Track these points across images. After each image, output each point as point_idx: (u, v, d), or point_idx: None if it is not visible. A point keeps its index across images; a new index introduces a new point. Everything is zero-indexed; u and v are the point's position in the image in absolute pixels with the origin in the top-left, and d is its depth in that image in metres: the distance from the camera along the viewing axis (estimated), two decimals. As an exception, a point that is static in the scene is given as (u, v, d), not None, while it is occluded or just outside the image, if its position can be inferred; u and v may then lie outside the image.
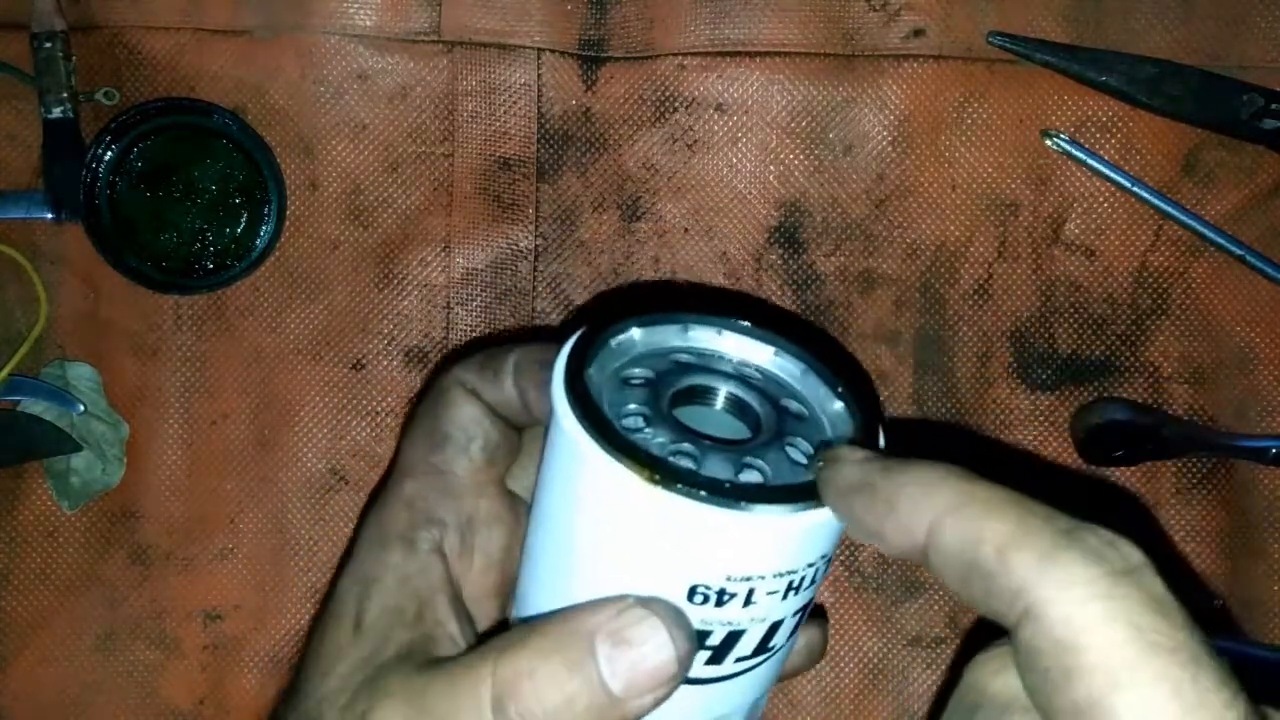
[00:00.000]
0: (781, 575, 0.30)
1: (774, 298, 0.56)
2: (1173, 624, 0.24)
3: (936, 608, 0.56)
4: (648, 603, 0.30)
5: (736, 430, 0.36)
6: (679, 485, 0.29)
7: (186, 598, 0.56)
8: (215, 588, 0.56)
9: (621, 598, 0.30)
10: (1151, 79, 0.54)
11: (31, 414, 0.55)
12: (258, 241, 0.55)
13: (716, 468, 0.32)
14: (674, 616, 0.30)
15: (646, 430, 0.33)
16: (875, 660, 0.56)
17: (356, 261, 0.56)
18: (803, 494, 0.30)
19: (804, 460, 0.33)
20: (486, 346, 0.41)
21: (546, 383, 0.34)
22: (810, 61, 0.55)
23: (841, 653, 0.56)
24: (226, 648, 0.56)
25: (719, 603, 0.30)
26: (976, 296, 0.56)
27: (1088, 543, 0.25)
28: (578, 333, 0.35)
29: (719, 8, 0.55)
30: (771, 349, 0.37)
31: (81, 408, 0.55)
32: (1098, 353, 0.56)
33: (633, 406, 0.33)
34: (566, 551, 0.33)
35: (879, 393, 0.56)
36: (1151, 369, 0.56)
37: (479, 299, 0.56)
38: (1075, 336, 0.56)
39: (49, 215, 0.55)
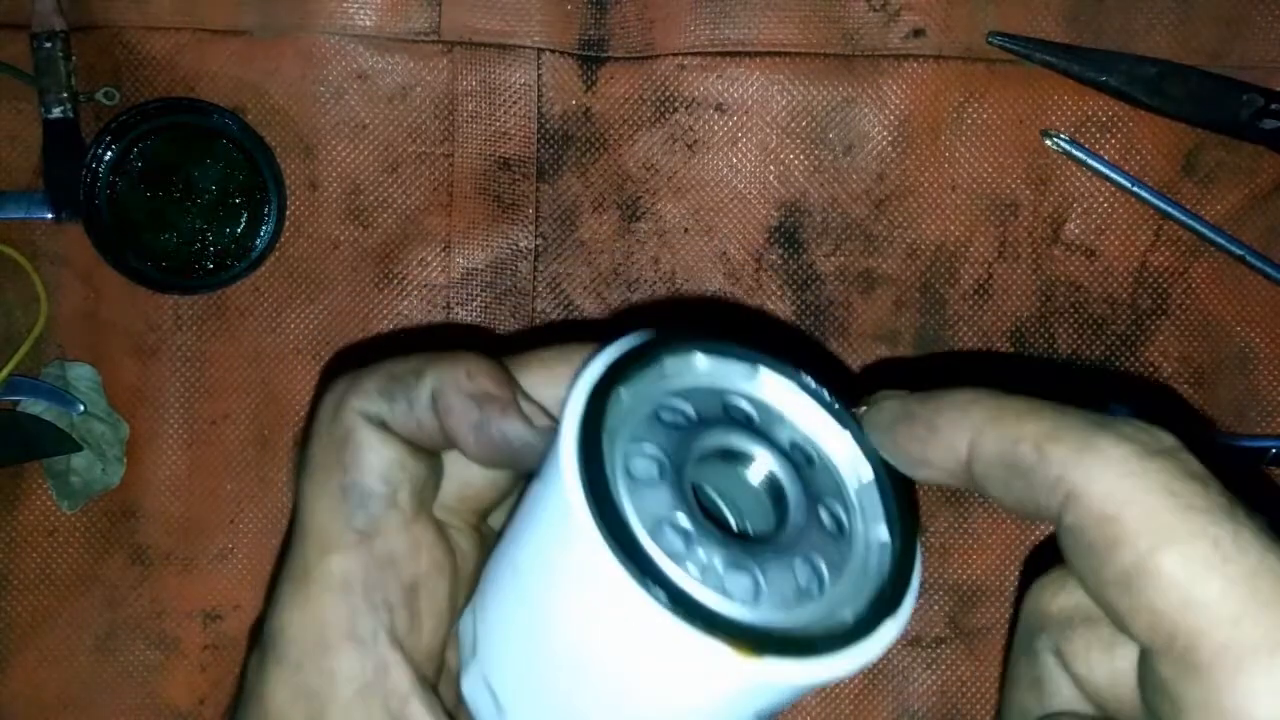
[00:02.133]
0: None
1: (774, 298, 0.56)
2: (1208, 489, 0.25)
3: (937, 608, 0.56)
4: None
5: (765, 514, 0.31)
6: (771, 652, 0.26)
7: (186, 598, 0.56)
8: (215, 588, 0.56)
9: None
10: (1151, 79, 0.54)
11: (31, 414, 0.55)
12: (258, 241, 0.55)
13: (703, 562, 0.28)
14: None
15: (654, 485, 0.29)
16: (875, 660, 0.56)
17: (356, 261, 0.56)
18: (846, 640, 0.28)
19: (813, 587, 0.29)
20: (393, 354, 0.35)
21: (486, 425, 0.30)
22: (810, 61, 0.55)
23: (841, 653, 0.56)
24: (226, 648, 0.56)
25: None
26: (976, 296, 0.56)
27: (1121, 429, 0.26)
28: (602, 367, 0.30)
29: (719, 8, 0.55)
30: (849, 434, 0.32)
31: (81, 408, 0.55)
32: (1098, 353, 0.56)
33: (650, 449, 0.29)
34: (595, 682, 0.28)
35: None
36: (1151, 369, 0.56)
37: (479, 299, 0.56)
38: (1075, 336, 0.56)
39: (49, 215, 0.55)
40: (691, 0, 0.55)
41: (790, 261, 0.56)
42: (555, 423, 0.31)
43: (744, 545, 0.29)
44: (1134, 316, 0.56)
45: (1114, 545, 0.25)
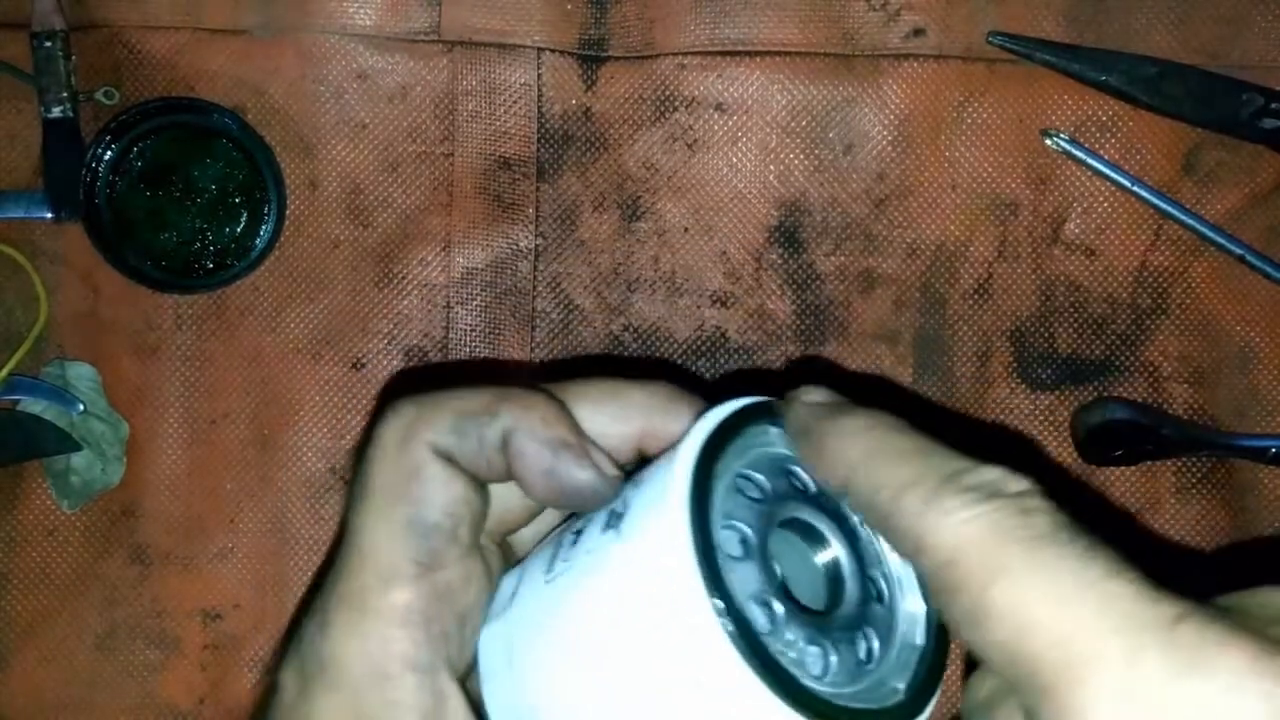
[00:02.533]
0: None
1: (774, 297, 0.56)
2: (1035, 520, 0.25)
3: (936, 607, 0.56)
4: None
5: (815, 585, 0.32)
6: None
7: (186, 597, 0.56)
8: (215, 587, 0.56)
9: None
10: (1151, 79, 0.54)
11: (31, 414, 0.55)
12: (258, 241, 0.55)
13: (789, 641, 0.29)
14: None
15: (742, 561, 0.29)
16: None
17: (356, 261, 0.56)
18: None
19: (867, 659, 0.30)
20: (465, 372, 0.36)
21: (558, 472, 0.31)
22: (810, 61, 0.55)
23: (841, 652, 0.56)
24: (226, 648, 0.56)
25: None
26: (976, 296, 0.56)
27: (968, 480, 0.27)
28: (705, 442, 0.30)
29: (719, 8, 0.55)
30: None
31: (81, 407, 0.55)
32: (1098, 353, 0.56)
33: (739, 525, 0.30)
34: None
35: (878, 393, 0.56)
36: (1151, 369, 0.56)
37: (479, 299, 0.56)
38: (1075, 336, 0.56)
39: (49, 215, 0.55)
40: (691, 0, 0.55)
41: (790, 261, 0.56)
42: (622, 471, 0.33)
43: (818, 621, 0.30)
44: (1134, 316, 0.56)
45: (957, 590, 0.26)
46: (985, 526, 0.26)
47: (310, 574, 0.56)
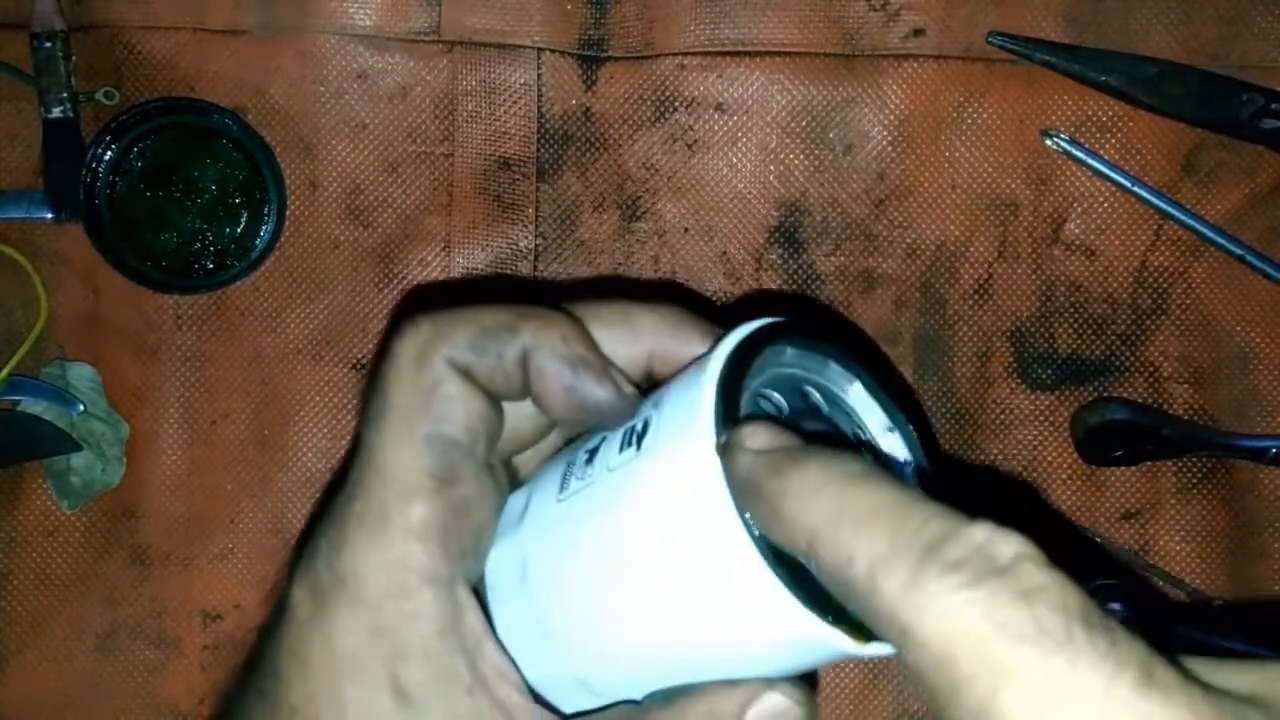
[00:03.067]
0: None
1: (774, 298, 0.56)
2: (1041, 609, 0.23)
3: (936, 608, 0.56)
4: (785, 688, 0.30)
5: None
6: (871, 637, 0.28)
7: (186, 597, 0.56)
8: (215, 588, 0.56)
9: (755, 683, 0.31)
10: (1151, 79, 0.54)
11: (31, 414, 0.55)
12: (258, 241, 0.55)
13: None
14: (805, 696, 0.31)
15: None
16: (875, 660, 0.56)
17: (356, 261, 0.56)
18: None
19: None
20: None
21: (578, 390, 0.32)
22: (810, 61, 0.55)
23: (841, 653, 0.56)
24: (226, 647, 0.56)
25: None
26: (976, 296, 0.56)
27: (953, 554, 0.24)
28: (731, 360, 0.30)
29: (719, 8, 0.55)
30: (888, 423, 0.34)
31: (81, 408, 0.55)
32: (1098, 353, 0.56)
33: None
34: (695, 640, 0.30)
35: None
36: (1151, 369, 0.56)
37: (479, 299, 0.56)
38: (1075, 336, 0.56)
39: (49, 215, 0.55)
40: (691, 0, 0.55)
41: (790, 261, 0.56)
42: (639, 389, 0.33)
43: None
44: (1134, 316, 0.56)
45: (956, 691, 0.23)
46: (982, 617, 0.23)
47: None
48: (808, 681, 0.32)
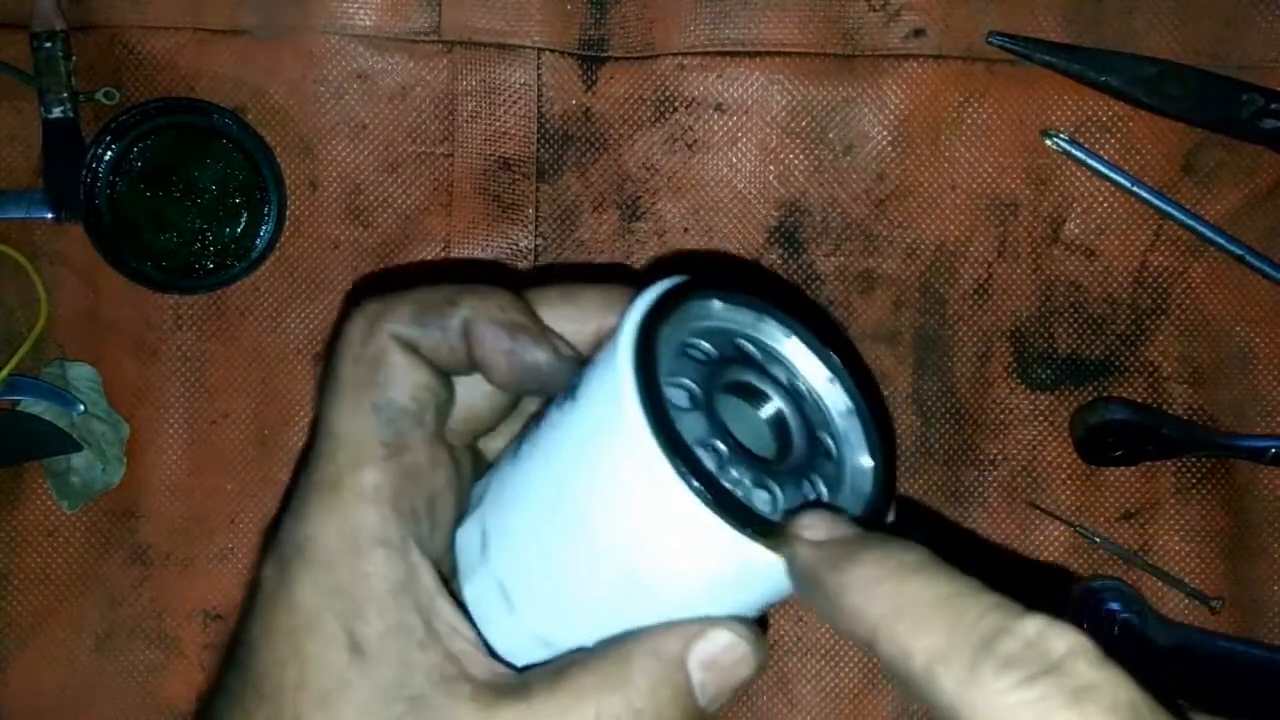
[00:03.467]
0: None
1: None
2: (1096, 710, 0.23)
3: (936, 608, 0.56)
4: (730, 625, 0.32)
5: (764, 441, 0.35)
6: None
7: (186, 597, 0.56)
8: (215, 587, 0.56)
9: (699, 621, 0.32)
10: (1151, 79, 0.54)
11: (31, 414, 0.55)
12: (258, 241, 0.55)
13: (735, 479, 0.32)
14: (751, 634, 0.32)
15: (689, 412, 0.32)
16: (875, 660, 0.56)
17: (356, 261, 0.56)
18: None
19: (816, 498, 0.33)
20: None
21: (518, 353, 0.33)
22: (810, 61, 0.55)
23: (841, 653, 0.56)
24: (222, 648, 0.56)
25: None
26: (976, 296, 0.56)
27: (1006, 649, 0.25)
28: (648, 304, 0.32)
29: (719, 8, 0.55)
30: (828, 374, 0.36)
31: (81, 408, 0.55)
32: (1098, 353, 0.56)
33: (685, 381, 0.32)
34: (633, 578, 0.32)
35: (880, 393, 0.56)
36: (1151, 369, 0.56)
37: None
38: (1075, 336, 0.56)
39: (49, 215, 0.55)
40: (691, 0, 0.55)
41: (790, 261, 0.56)
42: (578, 354, 0.35)
43: (765, 466, 0.32)
44: (1134, 316, 0.56)
45: None
46: (1039, 716, 0.24)
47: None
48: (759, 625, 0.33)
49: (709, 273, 0.34)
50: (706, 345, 0.34)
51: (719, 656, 0.31)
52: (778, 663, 0.56)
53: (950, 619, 0.26)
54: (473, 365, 0.35)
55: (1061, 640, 0.25)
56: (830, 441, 0.35)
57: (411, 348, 0.34)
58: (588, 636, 0.33)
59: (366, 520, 0.33)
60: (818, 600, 0.29)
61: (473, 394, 0.36)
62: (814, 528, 0.30)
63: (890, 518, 0.33)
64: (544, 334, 0.35)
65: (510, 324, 0.34)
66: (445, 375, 0.35)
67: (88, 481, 0.56)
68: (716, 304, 0.35)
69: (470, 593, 0.35)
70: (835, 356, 0.36)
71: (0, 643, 0.56)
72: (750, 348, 0.35)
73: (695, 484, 0.29)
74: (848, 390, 0.35)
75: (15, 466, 0.56)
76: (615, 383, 0.30)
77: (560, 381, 0.34)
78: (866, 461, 0.34)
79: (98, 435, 0.55)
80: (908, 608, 0.27)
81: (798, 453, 0.34)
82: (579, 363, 0.34)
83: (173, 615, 0.56)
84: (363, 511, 0.33)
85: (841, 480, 0.34)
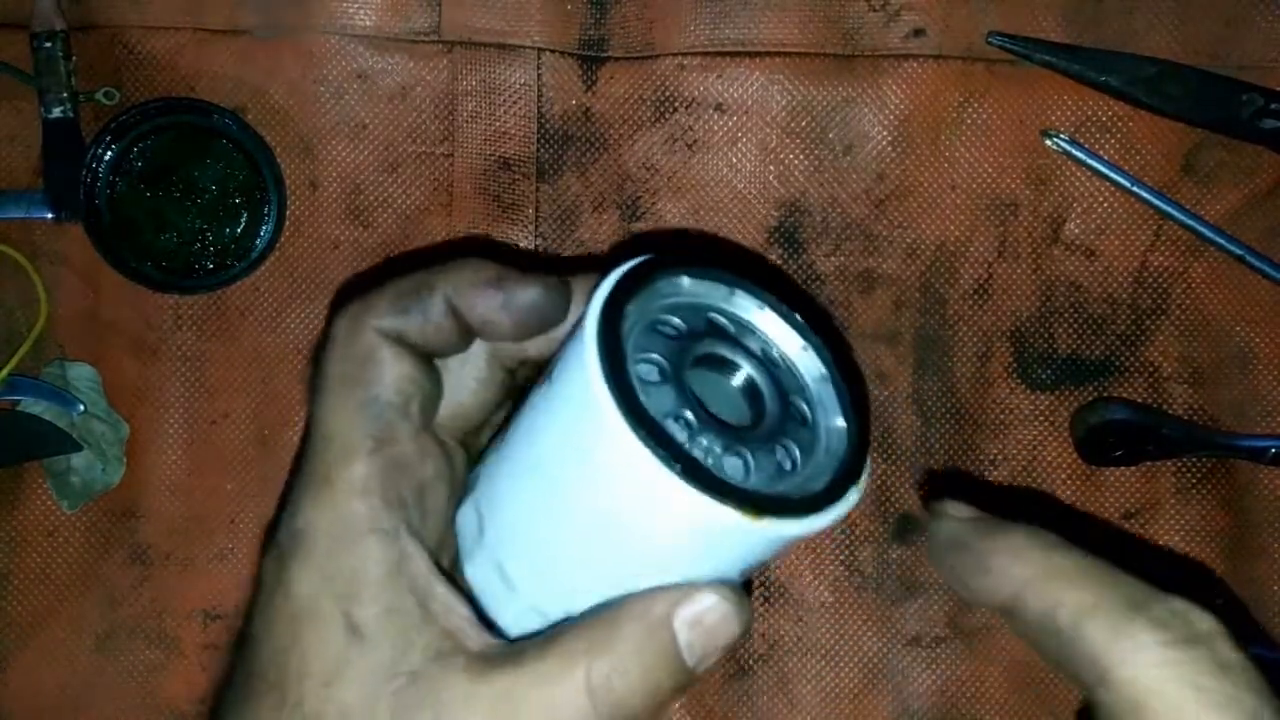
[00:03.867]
0: None
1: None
2: (1235, 684, 0.26)
3: (936, 608, 0.56)
4: (714, 587, 0.33)
5: (739, 410, 0.36)
6: (769, 514, 0.31)
7: (186, 597, 0.56)
8: (215, 587, 0.56)
9: (684, 585, 0.33)
10: (1151, 79, 0.54)
11: (31, 414, 0.55)
12: (258, 241, 0.55)
13: (705, 447, 0.33)
14: (735, 595, 0.33)
15: (659, 385, 0.33)
16: (875, 660, 0.56)
17: (356, 261, 0.56)
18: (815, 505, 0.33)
19: (788, 466, 0.34)
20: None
21: (512, 298, 0.34)
22: (810, 61, 0.55)
23: (841, 653, 0.56)
24: (226, 647, 0.56)
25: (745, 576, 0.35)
26: (976, 296, 0.56)
27: (1156, 612, 0.27)
28: (612, 284, 0.33)
29: (719, 8, 0.55)
30: (802, 342, 0.37)
31: (81, 408, 0.55)
32: (1098, 353, 0.56)
33: (655, 356, 0.34)
34: (613, 546, 0.33)
35: (879, 392, 0.56)
36: (1151, 369, 0.56)
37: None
38: (1075, 336, 0.56)
39: (49, 215, 0.55)
40: (691, 0, 0.55)
41: (790, 261, 0.56)
42: (566, 283, 0.36)
43: (735, 434, 0.33)
44: (1134, 316, 0.56)
45: None
46: (1182, 677, 0.26)
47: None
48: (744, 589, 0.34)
49: (680, 252, 0.35)
50: (677, 321, 0.35)
51: (703, 616, 0.32)
52: (778, 663, 0.56)
53: (1099, 581, 0.28)
54: (465, 340, 0.36)
55: (1205, 620, 0.27)
56: (805, 407, 0.36)
57: (398, 339, 0.35)
58: (581, 606, 0.34)
59: (358, 511, 0.34)
60: (958, 562, 0.32)
61: (460, 393, 0.37)
62: (960, 508, 0.33)
63: (865, 475, 0.34)
64: (526, 274, 0.36)
65: (491, 279, 0.35)
66: (432, 366, 0.36)
67: (88, 481, 0.56)
68: (685, 280, 0.36)
69: (472, 573, 0.36)
70: (806, 323, 0.37)
71: (0, 643, 0.56)
72: (723, 320, 0.36)
73: (660, 451, 0.30)
74: (820, 356, 0.37)
75: (15, 466, 0.56)
76: (582, 360, 0.31)
77: (560, 311, 0.36)
78: (841, 423, 0.36)
79: (98, 435, 0.55)
80: (1057, 569, 0.29)
81: (771, 419, 0.35)
82: (567, 286, 0.36)
83: (173, 615, 0.56)
84: (354, 503, 0.34)
85: (816, 442, 0.35)
